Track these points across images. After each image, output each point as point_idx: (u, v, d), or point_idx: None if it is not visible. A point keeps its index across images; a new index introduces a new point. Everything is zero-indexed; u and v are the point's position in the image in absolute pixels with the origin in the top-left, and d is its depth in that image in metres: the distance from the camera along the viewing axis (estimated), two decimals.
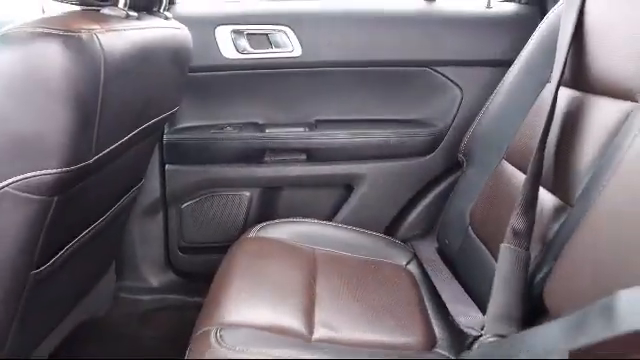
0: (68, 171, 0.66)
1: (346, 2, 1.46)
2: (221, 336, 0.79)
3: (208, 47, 1.32)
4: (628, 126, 0.70)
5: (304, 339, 0.84)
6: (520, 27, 1.27)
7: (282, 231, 1.18)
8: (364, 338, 0.86)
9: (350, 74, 1.40)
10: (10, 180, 0.64)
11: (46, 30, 0.63)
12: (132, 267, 1.46)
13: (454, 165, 1.34)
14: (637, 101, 0.72)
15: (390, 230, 1.42)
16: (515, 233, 0.78)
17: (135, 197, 1.25)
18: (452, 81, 1.39)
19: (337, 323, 0.88)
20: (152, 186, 1.39)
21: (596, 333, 0.34)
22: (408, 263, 1.16)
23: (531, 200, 0.80)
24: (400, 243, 1.25)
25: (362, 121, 1.42)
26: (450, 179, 1.38)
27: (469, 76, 1.37)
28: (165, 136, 1.35)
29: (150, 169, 1.34)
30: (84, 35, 0.64)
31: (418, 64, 1.39)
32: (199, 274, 1.33)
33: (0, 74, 0.61)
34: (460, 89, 1.38)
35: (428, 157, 1.40)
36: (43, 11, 1.42)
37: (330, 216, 1.42)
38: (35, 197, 0.66)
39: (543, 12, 1.27)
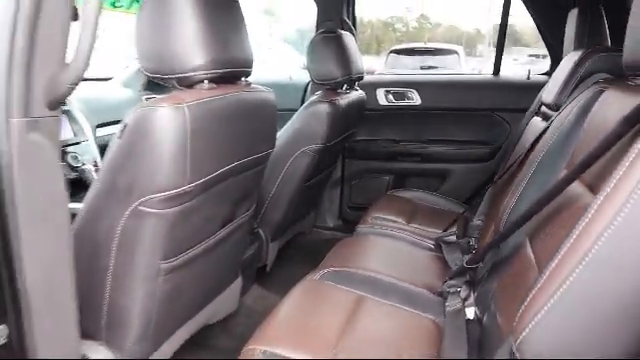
0: (324, 144, 1.89)
1: (444, 76, 2.57)
2: (374, 219, 1.95)
3: (372, 98, 2.49)
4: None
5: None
6: None
7: (404, 194, 2.29)
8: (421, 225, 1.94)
9: (447, 114, 2.49)
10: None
11: (321, 99, 1.88)
12: (321, 214, 2.69)
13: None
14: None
15: (465, 202, 2.44)
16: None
17: (330, 173, 2.48)
18: (504, 120, 2.40)
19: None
20: (337, 170, 2.60)
21: None
22: (464, 212, 2.21)
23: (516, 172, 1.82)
24: (466, 205, 2.29)
25: (452, 140, 2.49)
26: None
27: (515, 117, 2.31)
28: (346, 144, 2.54)
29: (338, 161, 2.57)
30: (329, 103, 1.88)
31: (486, 110, 2.43)
32: (355, 222, 2.43)
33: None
34: (509, 124, 2.39)
35: (488, 162, 2.42)
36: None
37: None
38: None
39: None
